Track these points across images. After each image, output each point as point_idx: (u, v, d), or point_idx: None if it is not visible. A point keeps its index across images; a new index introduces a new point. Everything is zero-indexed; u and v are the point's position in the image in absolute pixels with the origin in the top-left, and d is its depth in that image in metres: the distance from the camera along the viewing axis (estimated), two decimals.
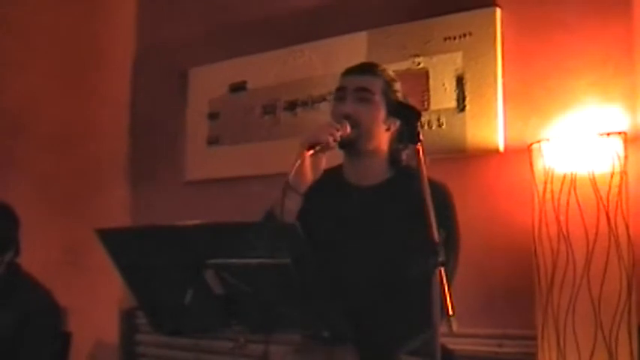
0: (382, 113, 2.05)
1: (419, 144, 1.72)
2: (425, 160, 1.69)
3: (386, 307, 1.95)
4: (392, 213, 2.01)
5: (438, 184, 1.95)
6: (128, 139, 4.15)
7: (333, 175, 2.10)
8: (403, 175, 2.06)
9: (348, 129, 1.98)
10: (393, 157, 2.10)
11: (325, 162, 1.99)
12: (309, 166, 1.94)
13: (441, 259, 1.57)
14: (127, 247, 1.64)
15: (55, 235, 3.58)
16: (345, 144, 2.01)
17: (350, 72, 2.12)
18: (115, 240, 1.64)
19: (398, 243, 1.94)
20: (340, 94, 2.08)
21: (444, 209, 1.83)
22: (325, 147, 1.93)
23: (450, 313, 1.58)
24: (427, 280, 1.99)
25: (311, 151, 1.90)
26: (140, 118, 4.14)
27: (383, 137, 2.07)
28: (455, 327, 1.56)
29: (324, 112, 3.31)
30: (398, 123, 2.07)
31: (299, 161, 1.90)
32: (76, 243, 3.50)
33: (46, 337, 2.65)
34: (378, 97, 2.04)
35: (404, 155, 2.10)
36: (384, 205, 2.04)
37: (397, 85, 2.10)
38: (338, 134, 1.94)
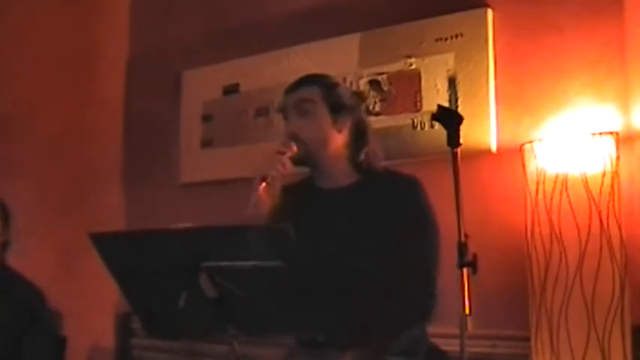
0: (327, 118, 2.08)
1: (457, 148, 1.73)
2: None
3: (368, 308, 1.94)
4: (364, 215, 2.02)
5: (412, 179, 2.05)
6: (122, 142, 4.15)
7: (306, 183, 2.17)
8: (370, 178, 2.08)
9: (295, 148, 2.03)
10: (354, 159, 2.11)
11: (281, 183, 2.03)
12: (266, 195, 1.97)
13: (467, 259, 1.59)
14: (120, 251, 1.65)
15: (51, 239, 3.57)
16: (299, 161, 2.06)
17: (288, 89, 2.15)
18: (108, 244, 1.65)
19: (373, 246, 1.96)
20: (283, 114, 2.14)
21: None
22: (277, 177, 1.98)
23: (467, 312, 1.63)
24: (411, 280, 2.02)
25: (264, 184, 1.95)
26: (134, 121, 4.14)
27: (336, 140, 2.09)
28: (469, 327, 1.63)
29: None
30: (349, 122, 2.10)
31: (255, 195, 1.94)
32: (71, 247, 3.49)
33: (38, 336, 2.64)
34: (320, 104, 2.07)
35: (362, 155, 2.11)
36: (354, 208, 2.04)
37: (341, 88, 2.15)
38: (287, 161, 2.01)
